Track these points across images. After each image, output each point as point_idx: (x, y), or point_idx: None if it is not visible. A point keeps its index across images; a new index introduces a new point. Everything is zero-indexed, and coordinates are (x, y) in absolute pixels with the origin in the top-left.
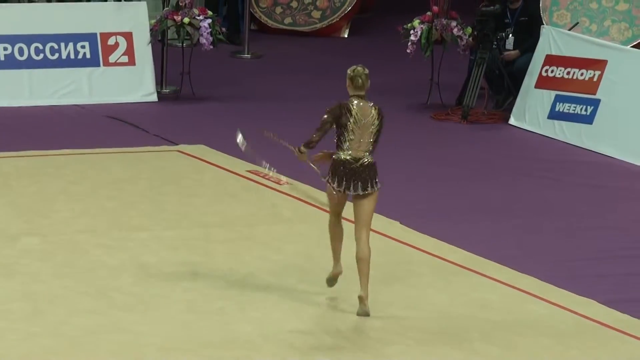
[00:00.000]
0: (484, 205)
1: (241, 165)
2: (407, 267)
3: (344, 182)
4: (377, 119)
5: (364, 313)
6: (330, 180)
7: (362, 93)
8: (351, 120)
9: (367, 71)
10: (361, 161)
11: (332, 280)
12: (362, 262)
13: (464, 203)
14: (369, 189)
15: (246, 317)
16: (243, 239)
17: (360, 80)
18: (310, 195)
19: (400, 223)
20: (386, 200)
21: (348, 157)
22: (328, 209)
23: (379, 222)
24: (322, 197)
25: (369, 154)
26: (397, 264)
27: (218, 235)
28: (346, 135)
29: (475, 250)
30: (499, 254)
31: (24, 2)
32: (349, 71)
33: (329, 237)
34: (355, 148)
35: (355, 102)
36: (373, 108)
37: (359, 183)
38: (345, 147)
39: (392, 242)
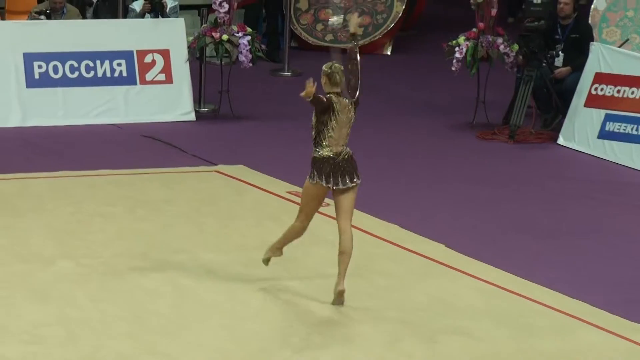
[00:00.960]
0: (531, 227)
1: (282, 187)
2: (453, 291)
3: (332, 179)
4: (354, 113)
5: (340, 303)
6: (317, 179)
7: (339, 90)
8: (333, 119)
9: (342, 67)
10: (342, 155)
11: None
12: (347, 255)
13: (511, 224)
14: (355, 180)
15: (285, 342)
16: (283, 262)
17: (337, 77)
18: None
19: (446, 246)
20: (430, 223)
21: (330, 154)
22: (302, 213)
23: (423, 245)
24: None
25: (346, 146)
26: (442, 287)
27: (258, 259)
28: (326, 132)
29: (522, 274)
30: (548, 278)
31: (58, 19)
32: (325, 68)
33: (287, 233)
34: (335, 144)
35: (335, 99)
36: (350, 103)
37: (346, 176)
38: (324, 144)
39: (437, 265)
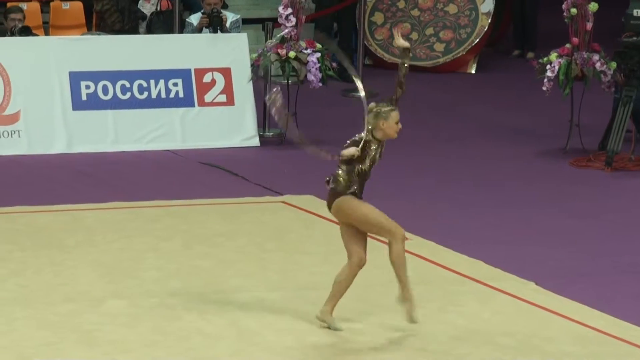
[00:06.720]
0: (633, 265)
1: None
2: (544, 334)
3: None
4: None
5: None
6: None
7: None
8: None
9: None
10: None
11: None
12: None
13: (609, 262)
14: None
15: None
16: (357, 303)
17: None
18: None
19: (536, 284)
20: (519, 259)
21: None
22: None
23: (511, 283)
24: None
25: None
26: (533, 331)
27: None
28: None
29: (623, 316)
30: None
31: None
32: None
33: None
34: None
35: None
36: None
37: None
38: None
39: (526, 305)
